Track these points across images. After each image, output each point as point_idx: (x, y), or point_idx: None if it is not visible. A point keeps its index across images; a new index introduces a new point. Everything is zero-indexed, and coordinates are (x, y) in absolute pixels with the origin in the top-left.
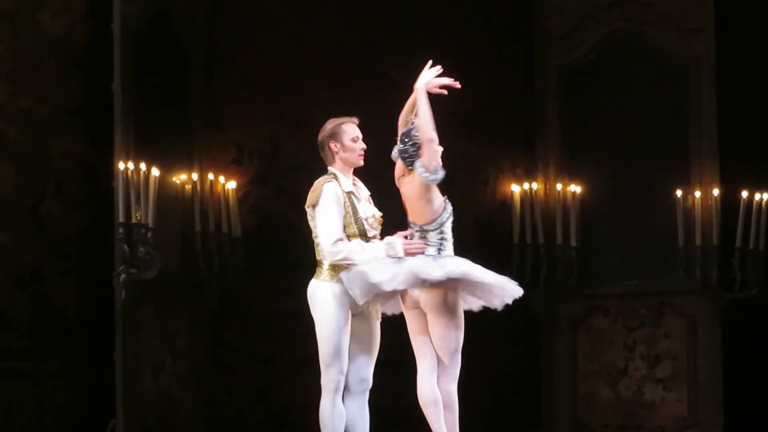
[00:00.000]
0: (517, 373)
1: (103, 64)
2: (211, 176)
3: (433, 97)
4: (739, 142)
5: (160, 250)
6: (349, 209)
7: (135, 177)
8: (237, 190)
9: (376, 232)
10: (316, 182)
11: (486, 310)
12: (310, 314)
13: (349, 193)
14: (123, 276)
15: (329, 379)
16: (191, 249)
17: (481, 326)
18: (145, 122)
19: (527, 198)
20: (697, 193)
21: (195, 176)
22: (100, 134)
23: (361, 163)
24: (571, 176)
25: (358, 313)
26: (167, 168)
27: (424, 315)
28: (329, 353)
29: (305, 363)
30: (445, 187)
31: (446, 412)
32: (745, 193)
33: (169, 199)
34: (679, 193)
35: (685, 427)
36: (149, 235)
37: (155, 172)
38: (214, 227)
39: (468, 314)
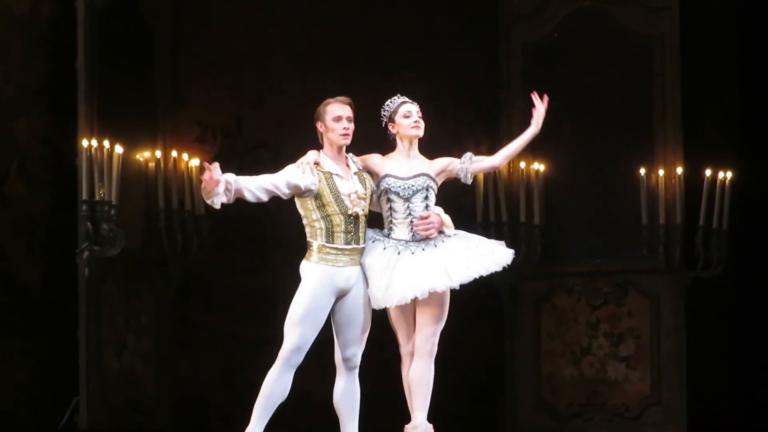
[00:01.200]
0: (481, 352)
1: (67, 42)
2: (174, 154)
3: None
4: (702, 121)
5: (123, 228)
6: (326, 189)
7: (98, 154)
8: (200, 167)
9: (359, 209)
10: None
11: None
12: (274, 293)
13: (329, 173)
14: (86, 253)
15: (283, 348)
16: (155, 226)
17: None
18: (108, 100)
19: (490, 176)
20: (661, 172)
21: (159, 154)
22: (64, 112)
23: (344, 142)
24: (535, 154)
25: (345, 295)
26: (131, 145)
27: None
28: (290, 321)
29: (269, 341)
30: None
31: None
32: (708, 172)
33: (132, 177)
34: (642, 171)
35: (648, 405)
36: (112, 212)
37: (119, 149)
38: (178, 205)
39: None
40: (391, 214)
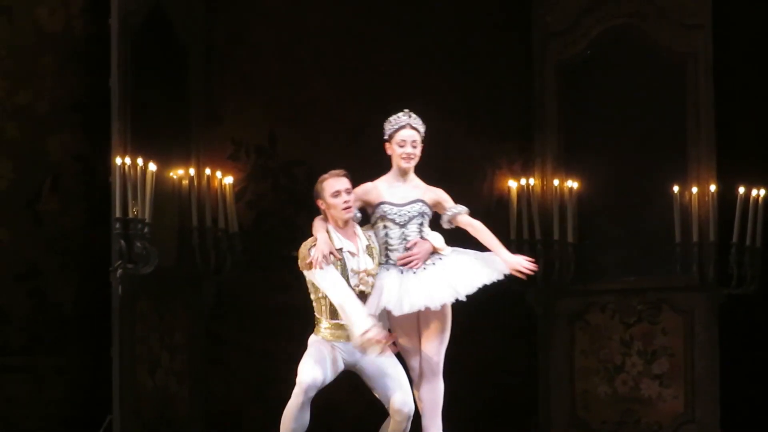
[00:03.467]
0: (515, 370)
1: (100, 59)
2: (208, 171)
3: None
4: (736, 138)
5: (157, 246)
6: (338, 267)
7: (132, 172)
8: (234, 185)
9: (366, 288)
10: (303, 245)
11: (483, 307)
12: (306, 310)
13: (340, 251)
14: (120, 271)
15: (299, 380)
16: (188, 244)
17: (479, 322)
18: (142, 117)
19: (524, 194)
20: (695, 189)
21: (192, 171)
22: (97, 130)
23: (348, 216)
24: (569, 172)
25: (358, 363)
26: (164, 163)
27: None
28: (305, 363)
29: (302, 358)
30: (442, 181)
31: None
32: (742, 189)
33: (166, 194)
34: (676, 188)
35: (682, 423)
36: (146, 230)
37: (152, 167)
38: (211, 222)
39: (465, 311)
40: (386, 241)
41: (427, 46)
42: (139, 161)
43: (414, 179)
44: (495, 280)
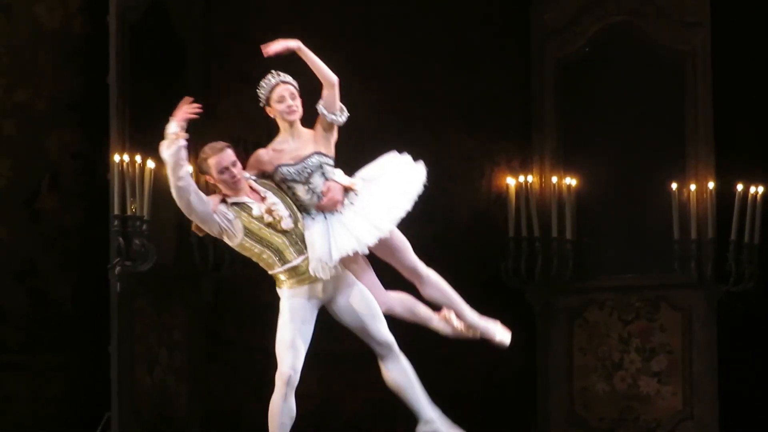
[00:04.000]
0: (513, 367)
1: (99, 57)
2: None
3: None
4: (734, 136)
5: (155, 243)
6: (248, 219)
7: (130, 169)
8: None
9: (288, 223)
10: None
11: (481, 304)
12: None
13: (243, 204)
14: (118, 268)
15: (279, 371)
16: (187, 241)
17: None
18: (140, 115)
19: (523, 191)
20: (693, 186)
21: (190, 168)
22: (95, 127)
23: (237, 190)
24: (567, 169)
25: (331, 300)
26: (163, 160)
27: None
28: (279, 346)
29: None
30: (441, 179)
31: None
32: (740, 186)
33: (164, 192)
34: (674, 186)
35: (681, 421)
36: (144, 227)
37: (150, 164)
38: None
39: None
40: (297, 200)
41: (425, 44)
42: (138, 158)
43: (303, 132)
44: (415, 197)
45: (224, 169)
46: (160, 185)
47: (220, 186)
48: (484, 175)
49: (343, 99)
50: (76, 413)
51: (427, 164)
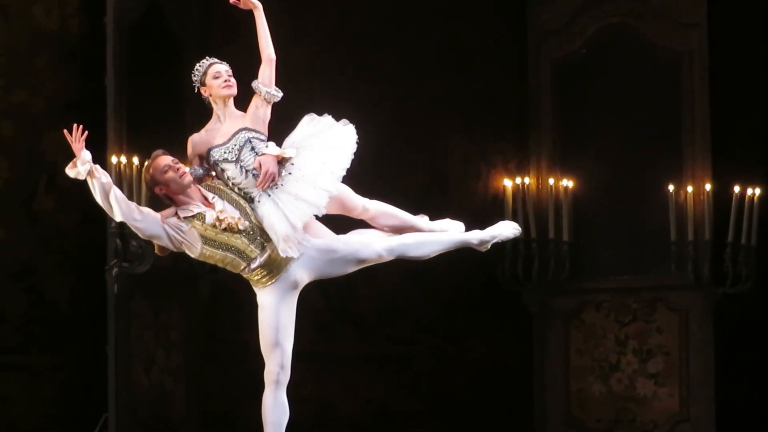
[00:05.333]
0: (510, 368)
1: (96, 58)
2: None
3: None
4: (731, 137)
5: (152, 244)
6: (202, 227)
7: (128, 171)
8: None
9: (240, 221)
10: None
11: (478, 306)
12: (303, 310)
13: (194, 215)
14: (115, 270)
15: (270, 372)
16: None
17: (474, 321)
18: (138, 115)
19: (519, 192)
20: (690, 188)
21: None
22: (93, 128)
23: (189, 183)
24: (564, 171)
25: (301, 280)
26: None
27: None
28: (267, 346)
29: (298, 356)
30: (437, 180)
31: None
32: (737, 188)
33: None
34: (671, 187)
35: (677, 422)
36: None
37: None
38: None
39: (461, 309)
40: (232, 182)
41: (422, 45)
42: (135, 160)
43: (235, 113)
44: (350, 157)
45: (167, 167)
46: None
47: (171, 189)
48: (481, 176)
49: (341, 99)
50: (73, 413)
51: (424, 165)
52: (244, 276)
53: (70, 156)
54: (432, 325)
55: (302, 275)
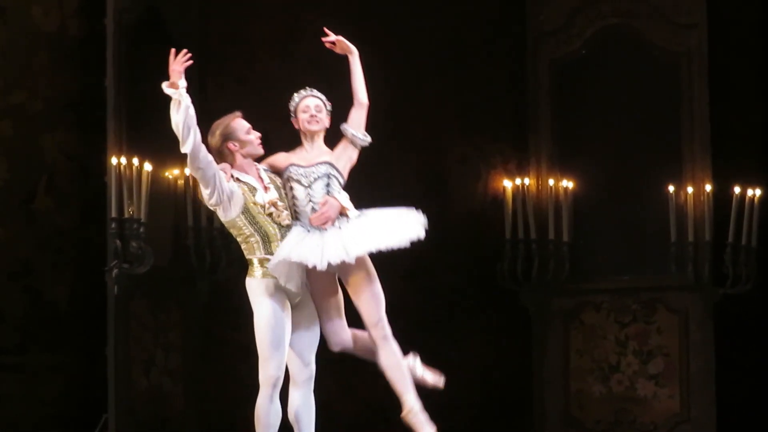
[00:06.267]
0: (509, 369)
1: (95, 59)
2: None
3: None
4: (731, 138)
5: (152, 245)
6: (250, 198)
7: (127, 172)
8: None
9: (285, 216)
10: None
11: (477, 306)
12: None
13: (251, 185)
14: (115, 270)
15: (267, 374)
16: (183, 244)
17: (473, 322)
18: (137, 117)
19: (519, 193)
20: (690, 189)
21: (187, 171)
22: (92, 129)
23: (262, 150)
24: (563, 171)
25: (297, 303)
26: (160, 163)
27: (333, 275)
28: (265, 348)
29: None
30: (436, 181)
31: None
32: (737, 189)
33: (161, 194)
34: (671, 188)
35: (678, 423)
36: (141, 229)
37: (148, 166)
38: (206, 222)
39: (460, 310)
40: (294, 203)
41: (420, 46)
42: (135, 161)
43: (323, 147)
44: (392, 247)
45: (249, 130)
46: (157, 188)
47: (243, 149)
48: (481, 177)
49: (339, 99)
50: (72, 414)
51: (423, 166)
52: (253, 259)
53: (68, 157)
54: (432, 325)
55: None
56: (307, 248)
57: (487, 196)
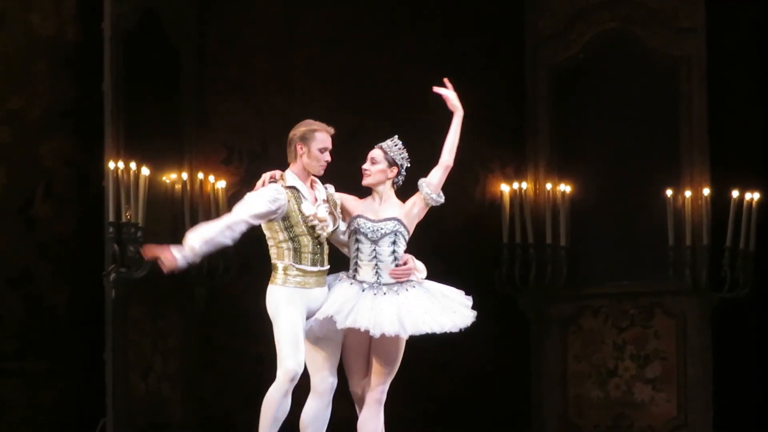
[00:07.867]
0: (507, 374)
1: (93, 64)
2: (201, 176)
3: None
4: (729, 142)
5: None
6: (294, 209)
7: (125, 176)
8: (227, 189)
9: (324, 233)
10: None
11: (478, 310)
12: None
13: (297, 192)
14: (113, 275)
15: (287, 368)
16: None
17: (471, 327)
18: (135, 122)
19: (517, 198)
20: (688, 193)
21: (185, 176)
22: (90, 135)
23: (321, 173)
24: (561, 176)
25: (312, 314)
26: (157, 167)
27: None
28: (285, 346)
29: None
30: None
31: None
32: (735, 193)
33: (159, 199)
34: (669, 192)
35: (675, 428)
36: (139, 234)
37: (145, 171)
38: None
39: None
40: (357, 255)
41: (419, 50)
42: (132, 166)
43: (393, 199)
44: (446, 331)
45: (325, 149)
46: (154, 192)
47: (306, 161)
48: (479, 181)
49: (338, 105)
50: (70, 420)
51: (420, 171)
52: (278, 264)
53: (66, 163)
54: None
55: (312, 306)
56: (360, 312)
57: (485, 201)
